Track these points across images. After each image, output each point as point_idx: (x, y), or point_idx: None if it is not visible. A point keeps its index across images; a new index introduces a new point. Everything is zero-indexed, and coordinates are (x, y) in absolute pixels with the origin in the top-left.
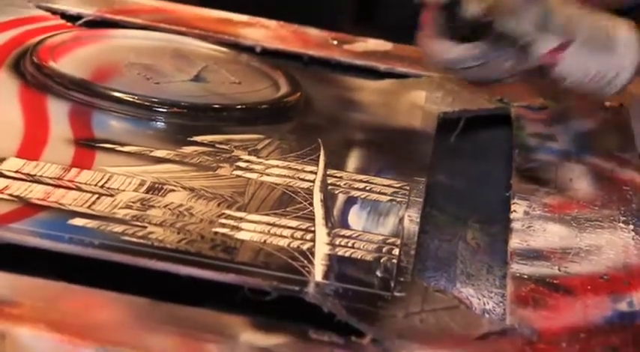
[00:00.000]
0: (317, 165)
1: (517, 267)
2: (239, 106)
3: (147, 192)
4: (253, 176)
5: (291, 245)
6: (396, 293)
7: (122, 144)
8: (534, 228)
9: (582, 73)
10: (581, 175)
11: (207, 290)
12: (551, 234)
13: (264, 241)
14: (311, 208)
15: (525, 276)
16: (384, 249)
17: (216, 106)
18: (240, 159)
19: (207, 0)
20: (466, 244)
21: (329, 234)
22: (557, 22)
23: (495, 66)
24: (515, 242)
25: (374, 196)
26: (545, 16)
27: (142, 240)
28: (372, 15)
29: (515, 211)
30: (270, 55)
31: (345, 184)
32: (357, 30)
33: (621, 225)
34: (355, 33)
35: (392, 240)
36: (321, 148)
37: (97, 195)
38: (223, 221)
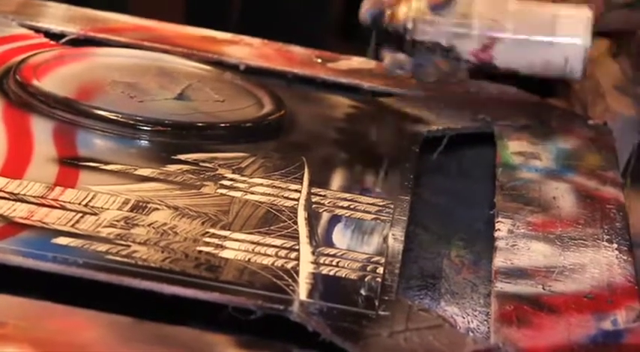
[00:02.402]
0: (301, 183)
1: (501, 286)
2: (223, 124)
3: (131, 210)
4: (237, 194)
5: (276, 263)
6: (381, 312)
7: (106, 163)
8: (518, 247)
9: (525, 63)
10: (565, 194)
11: (191, 309)
12: (535, 253)
13: (249, 260)
14: (295, 227)
15: (509, 295)
16: (368, 268)
17: (200, 124)
18: (224, 178)
19: (192, 17)
20: (450, 262)
21: (313, 253)
22: (478, 22)
23: (423, 70)
24: (499, 260)
25: (358, 215)
26: (463, 19)
27: (126, 259)
28: (357, 32)
29: (499, 229)
30: (254, 73)
31: (329, 202)
32: (342, 47)
33: (605, 243)
34: (340, 50)
35: (376, 258)
36: (305, 166)
37: (80, 214)
38: (207, 239)
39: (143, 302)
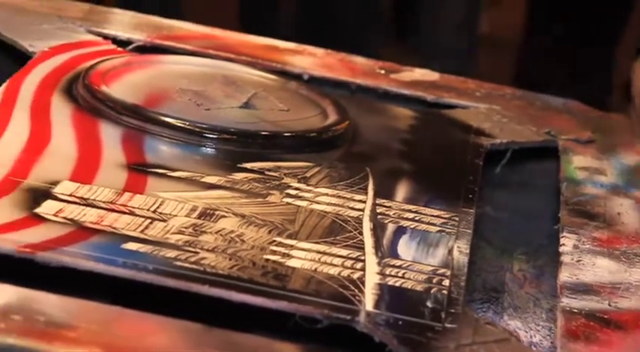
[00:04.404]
0: (366, 193)
1: (567, 301)
2: (288, 134)
3: (199, 217)
4: (303, 204)
5: (342, 273)
6: (447, 325)
7: (173, 170)
8: (584, 262)
9: None
10: (630, 210)
11: (255, 317)
12: (600, 269)
13: (315, 269)
14: (361, 237)
15: (575, 310)
16: (434, 280)
17: (266, 133)
18: (289, 187)
19: (245, 22)
20: (513, 276)
21: (379, 264)
22: None
23: None
24: (564, 275)
25: (423, 226)
26: None
27: (194, 266)
28: (406, 39)
29: (564, 244)
30: (318, 83)
31: (394, 214)
32: (393, 57)
33: None
34: (391, 60)
35: (442, 270)
36: (370, 177)
37: (149, 220)
38: (274, 248)
39: (209, 309)
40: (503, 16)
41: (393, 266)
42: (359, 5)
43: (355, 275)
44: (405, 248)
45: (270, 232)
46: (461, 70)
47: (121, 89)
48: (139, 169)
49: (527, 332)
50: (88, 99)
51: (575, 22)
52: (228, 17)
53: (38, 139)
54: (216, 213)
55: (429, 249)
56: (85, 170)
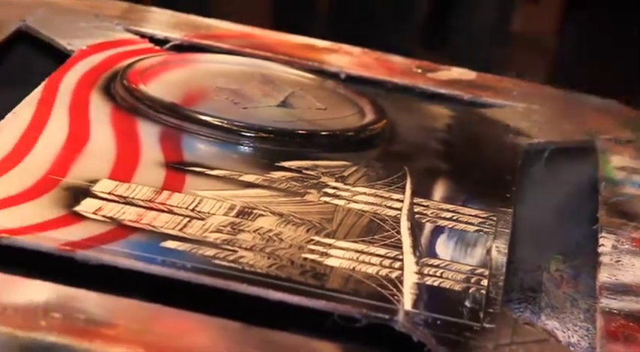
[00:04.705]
0: (403, 193)
1: (606, 302)
2: (325, 133)
3: (237, 216)
4: (341, 203)
5: (380, 273)
6: (486, 325)
7: (211, 168)
8: (623, 263)
9: None
10: None
11: (291, 316)
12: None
13: (353, 268)
14: (399, 236)
15: (615, 311)
16: (472, 280)
17: (303, 132)
18: (327, 186)
19: (279, 20)
20: (550, 276)
21: (417, 263)
22: None
23: None
24: (603, 276)
25: (461, 226)
26: None
27: (233, 264)
28: (441, 40)
29: (603, 245)
30: (354, 82)
31: (432, 213)
32: (426, 56)
33: None
34: (424, 59)
35: (480, 270)
36: (408, 176)
37: (188, 218)
38: (312, 247)
39: (245, 308)
40: (538, 13)
41: (431, 265)
42: (393, 4)
43: (393, 275)
44: (443, 247)
45: (308, 231)
46: (494, 69)
47: (158, 88)
48: (178, 168)
49: (564, 332)
50: (126, 98)
51: (611, 21)
52: (261, 16)
53: (77, 138)
54: (254, 211)
55: (467, 248)
56: (124, 168)
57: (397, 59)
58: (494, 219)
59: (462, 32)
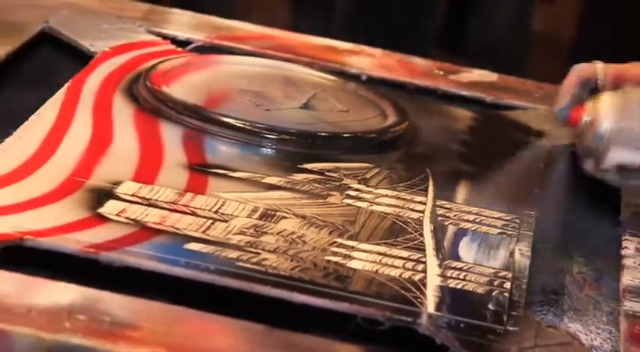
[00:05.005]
0: (426, 195)
1: (630, 305)
2: (347, 135)
3: (260, 218)
4: (363, 205)
5: (403, 275)
6: (509, 328)
7: (234, 170)
8: None
9: None
10: None
11: (313, 318)
12: None
13: (376, 271)
14: (421, 239)
15: (638, 314)
16: (495, 283)
17: (326, 134)
18: (349, 188)
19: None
20: (572, 278)
21: (440, 266)
22: None
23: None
24: (627, 279)
25: (484, 229)
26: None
27: (256, 267)
28: (456, 42)
29: (626, 247)
30: (376, 84)
31: (454, 215)
32: (444, 58)
33: None
34: (441, 58)
35: (503, 273)
36: (430, 178)
37: (211, 221)
38: (335, 249)
39: (268, 310)
40: (557, 13)
41: (454, 268)
42: (411, 4)
43: (416, 277)
44: (466, 250)
45: (330, 233)
46: (512, 70)
47: (181, 89)
48: (200, 170)
49: (587, 335)
50: (149, 100)
51: (629, 20)
52: (280, 17)
53: (100, 139)
54: (277, 213)
55: (490, 251)
56: (147, 170)
57: (418, 61)
58: (517, 221)
59: (481, 33)
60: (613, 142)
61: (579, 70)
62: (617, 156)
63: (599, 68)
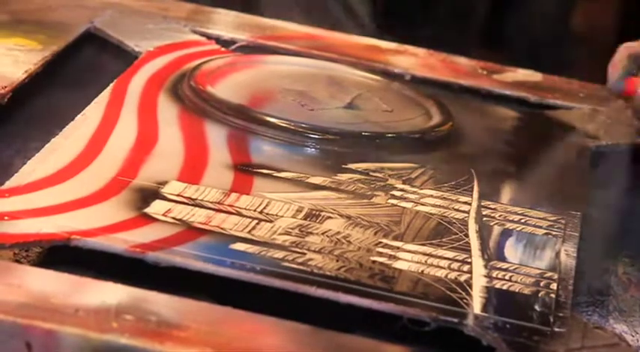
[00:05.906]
0: (471, 195)
1: None
2: (392, 135)
3: (305, 218)
4: (408, 205)
5: (449, 276)
6: (556, 329)
7: (278, 170)
8: None
9: None
10: None
11: (357, 319)
12: None
13: (422, 271)
14: (467, 239)
15: None
16: (541, 283)
17: (370, 134)
18: (394, 188)
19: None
20: (618, 279)
21: (486, 266)
22: None
23: None
24: None
25: (529, 229)
26: None
27: (302, 267)
28: (497, 40)
29: None
30: (420, 83)
31: (499, 216)
32: (486, 57)
33: None
34: (482, 57)
35: (549, 274)
36: (475, 179)
37: (256, 221)
38: (380, 250)
39: (313, 310)
40: (598, 12)
41: (500, 269)
42: (452, 3)
43: (462, 278)
44: (512, 250)
45: (376, 234)
46: (553, 70)
47: (225, 89)
48: (245, 170)
49: (633, 336)
50: (194, 100)
51: None
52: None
53: (146, 139)
54: (322, 214)
55: (535, 251)
56: (193, 170)
57: (462, 60)
58: (563, 222)
59: (522, 31)
60: None
61: (628, 46)
62: None
63: None
